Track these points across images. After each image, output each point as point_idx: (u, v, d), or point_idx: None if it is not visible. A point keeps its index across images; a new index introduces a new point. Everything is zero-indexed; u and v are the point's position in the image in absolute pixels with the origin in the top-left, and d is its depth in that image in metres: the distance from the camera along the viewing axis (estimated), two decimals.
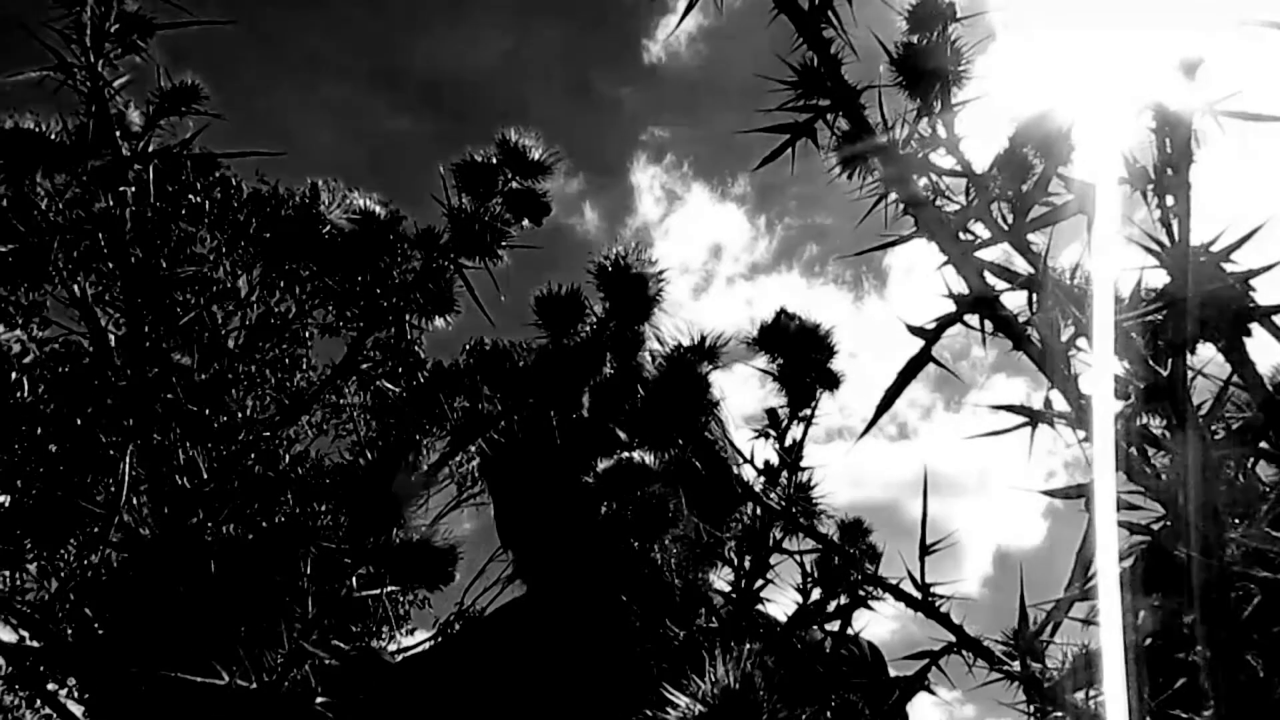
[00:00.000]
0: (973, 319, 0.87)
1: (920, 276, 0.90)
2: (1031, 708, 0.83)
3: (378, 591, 0.93)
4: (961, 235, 0.88)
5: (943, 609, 0.92)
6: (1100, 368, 0.94)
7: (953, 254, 0.79)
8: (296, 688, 0.93)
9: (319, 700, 0.94)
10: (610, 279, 1.16)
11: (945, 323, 0.80)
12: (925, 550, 0.96)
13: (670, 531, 1.17)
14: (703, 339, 1.14)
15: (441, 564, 0.92)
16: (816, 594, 1.31)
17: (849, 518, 1.52)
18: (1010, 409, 0.85)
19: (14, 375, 1.25)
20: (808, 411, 1.32)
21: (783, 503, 1.15)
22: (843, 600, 1.25)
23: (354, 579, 0.94)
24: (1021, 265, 0.95)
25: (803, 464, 1.30)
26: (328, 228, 1.22)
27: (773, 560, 1.31)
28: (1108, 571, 0.84)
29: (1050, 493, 0.93)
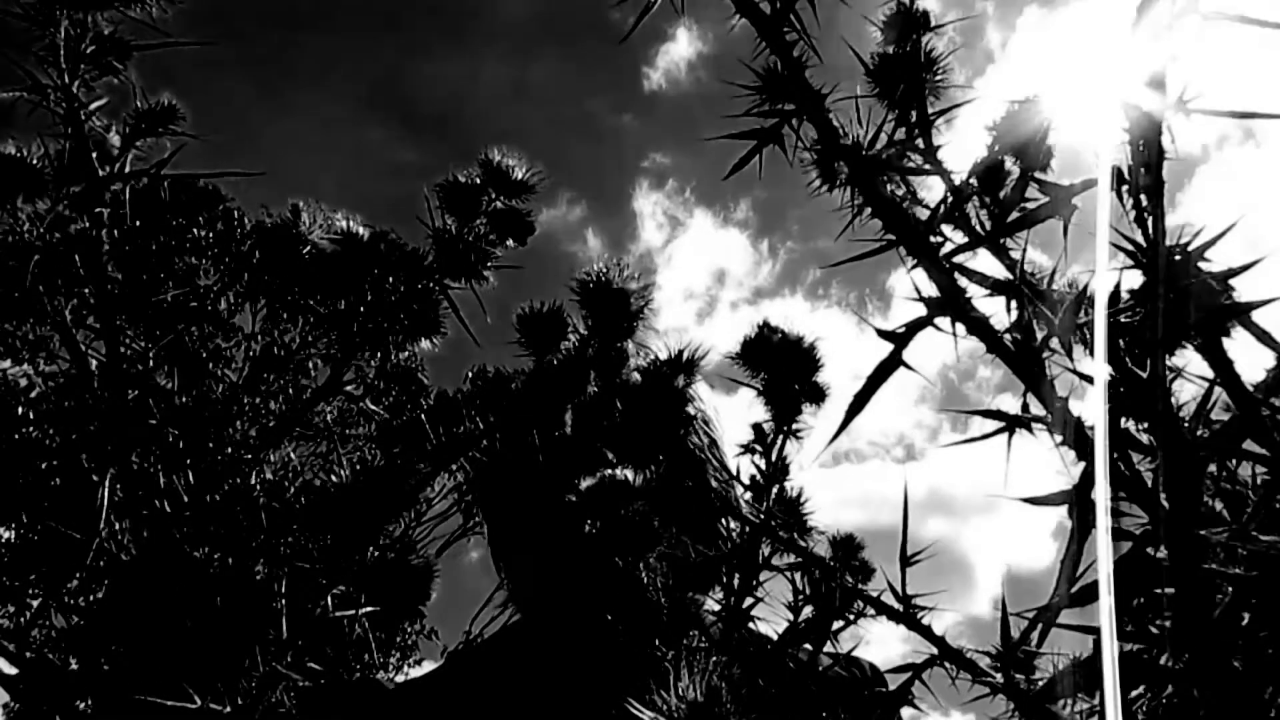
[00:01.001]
0: (946, 324, 0.87)
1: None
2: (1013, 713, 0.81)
3: (353, 612, 0.92)
4: (934, 239, 0.87)
5: (924, 620, 0.91)
6: (1096, 374, 0.92)
7: (922, 257, 0.78)
8: (271, 712, 0.92)
9: None
10: (591, 295, 1.15)
11: (915, 326, 0.79)
12: (906, 561, 0.95)
13: (653, 549, 1.15)
14: (680, 352, 1.13)
15: (418, 582, 0.91)
16: (808, 611, 1.30)
17: (841, 534, 1.50)
18: (986, 414, 0.84)
19: (20, 410, 1.24)
20: (794, 426, 1.31)
21: (764, 516, 1.13)
22: (830, 616, 1.24)
23: (330, 599, 0.93)
24: (1000, 271, 0.95)
25: (789, 479, 1.29)
26: (308, 248, 1.22)
27: (765, 578, 1.30)
28: (1105, 579, 0.82)
29: (1033, 500, 0.92)
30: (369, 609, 0.93)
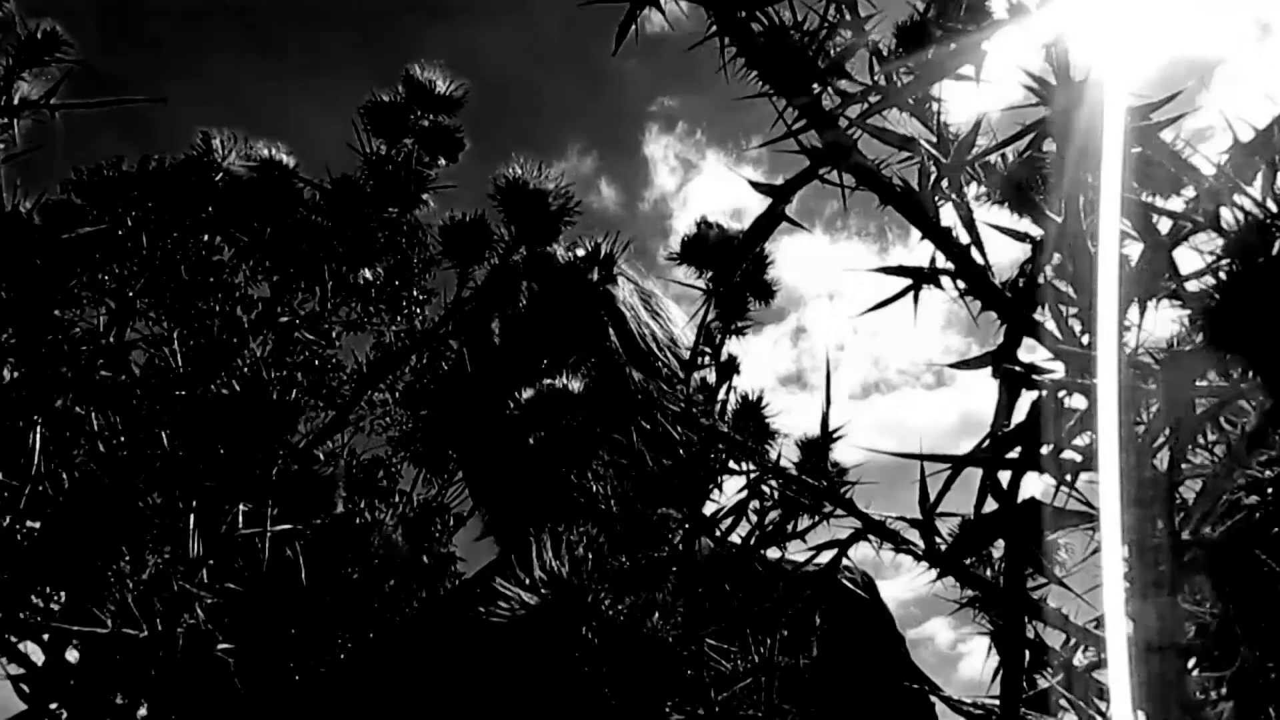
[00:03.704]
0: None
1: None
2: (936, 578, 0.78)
3: (261, 529, 0.90)
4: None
5: (847, 494, 0.87)
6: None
7: (800, 104, 0.74)
8: (193, 633, 0.90)
9: (220, 646, 0.91)
10: (508, 198, 1.11)
11: (799, 179, 0.74)
12: (827, 438, 0.91)
13: (591, 457, 1.12)
14: (597, 247, 1.09)
15: (322, 492, 0.89)
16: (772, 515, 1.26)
17: (808, 436, 1.47)
18: (889, 270, 0.80)
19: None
20: (741, 324, 1.26)
21: (707, 416, 1.10)
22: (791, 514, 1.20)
23: (239, 516, 0.91)
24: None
25: (738, 379, 1.25)
26: (221, 175, 1.19)
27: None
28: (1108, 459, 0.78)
29: (958, 365, 0.88)
30: (284, 527, 0.91)
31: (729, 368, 1.27)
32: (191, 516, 0.89)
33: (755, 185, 0.74)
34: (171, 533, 0.88)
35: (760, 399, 1.34)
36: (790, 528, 1.25)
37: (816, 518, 1.22)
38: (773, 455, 1.31)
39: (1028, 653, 0.72)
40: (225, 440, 0.85)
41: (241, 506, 0.88)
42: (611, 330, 1.15)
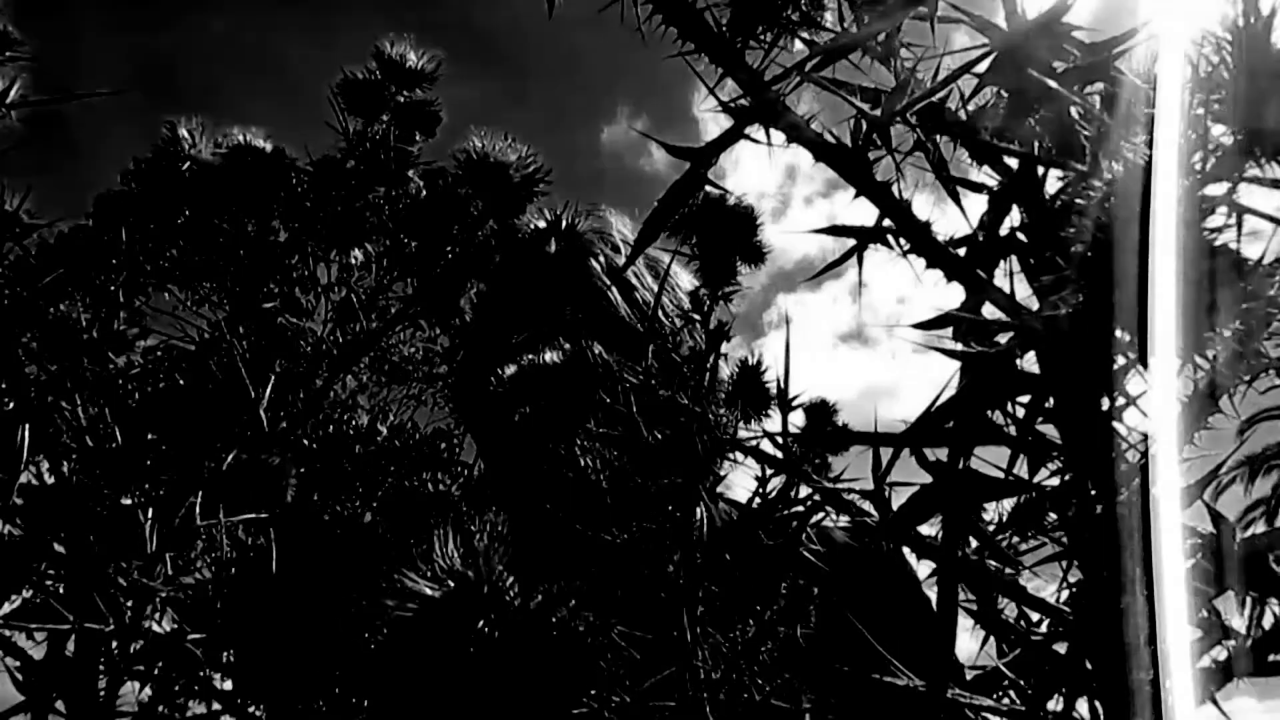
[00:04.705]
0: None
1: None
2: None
3: (216, 521, 0.89)
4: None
5: (806, 468, 0.84)
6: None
7: (720, 57, 0.70)
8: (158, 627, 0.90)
9: (190, 637, 0.91)
10: (471, 172, 1.09)
11: (723, 140, 0.71)
12: (786, 405, 0.88)
13: (577, 430, 1.10)
14: (557, 217, 1.06)
15: (273, 480, 0.88)
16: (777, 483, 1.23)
17: (814, 400, 1.43)
18: (830, 230, 0.76)
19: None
20: (728, 289, 1.22)
21: (673, 389, 1.07)
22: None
23: (195, 508, 0.90)
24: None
25: (728, 343, 1.22)
26: (189, 165, 1.18)
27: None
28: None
29: (919, 325, 0.84)
30: (243, 516, 0.90)
31: (718, 334, 1.23)
32: (150, 509, 0.90)
33: (670, 149, 0.70)
34: (133, 526, 0.89)
35: (759, 364, 1.31)
36: (792, 494, 1.22)
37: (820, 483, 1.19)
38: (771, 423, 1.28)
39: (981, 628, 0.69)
40: (185, 429, 0.85)
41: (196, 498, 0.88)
42: (620, 300, 1.12)
